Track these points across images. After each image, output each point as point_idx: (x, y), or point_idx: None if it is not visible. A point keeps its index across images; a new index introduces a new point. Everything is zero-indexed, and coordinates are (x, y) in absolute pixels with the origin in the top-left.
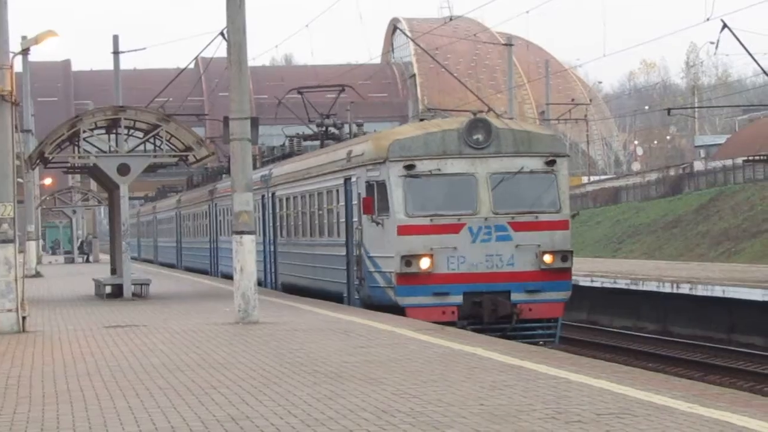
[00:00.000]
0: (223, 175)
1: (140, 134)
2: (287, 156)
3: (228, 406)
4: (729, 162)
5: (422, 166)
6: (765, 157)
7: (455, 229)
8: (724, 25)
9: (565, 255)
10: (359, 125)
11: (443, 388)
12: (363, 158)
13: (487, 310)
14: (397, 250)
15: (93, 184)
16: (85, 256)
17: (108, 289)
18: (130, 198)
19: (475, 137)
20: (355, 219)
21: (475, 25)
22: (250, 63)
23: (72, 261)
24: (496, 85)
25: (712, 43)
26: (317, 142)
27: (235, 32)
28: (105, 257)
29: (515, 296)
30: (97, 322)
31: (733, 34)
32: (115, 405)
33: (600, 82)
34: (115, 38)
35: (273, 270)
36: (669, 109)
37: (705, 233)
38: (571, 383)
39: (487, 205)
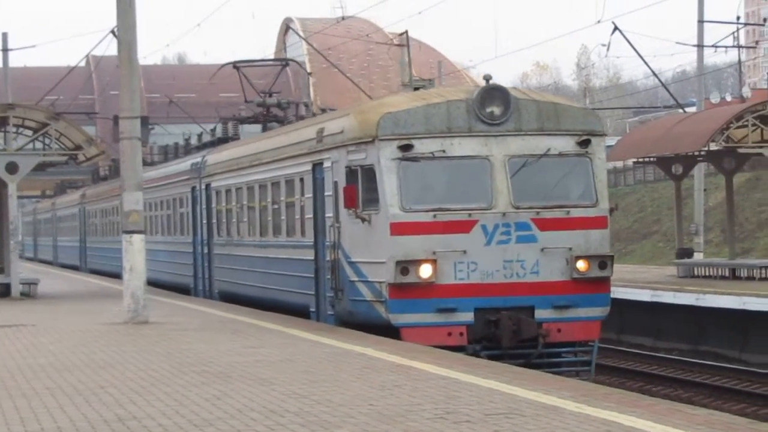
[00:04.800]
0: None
1: (29, 132)
2: (223, 141)
3: (116, 406)
4: (620, 164)
5: (422, 147)
6: (655, 159)
7: (465, 227)
8: (615, 28)
9: (603, 261)
10: (307, 105)
11: (333, 388)
12: (342, 137)
13: (507, 331)
14: (390, 255)
15: None
16: None
17: None
18: (26, 197)
19: (489, 110)
20: (329, 214)
21: (368, 25)
22: (142, 61)
23: None
24: (389, 85)
25: (603, 45)
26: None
27: (125, 30)
28: None
29: (540, 313)
30: None
31: (624, 37)
32: (1, 405)
33: None
34: (4, 35)
35: (206, 275)
36: None
37: None
38: (461, 383)
39: (506, 196)
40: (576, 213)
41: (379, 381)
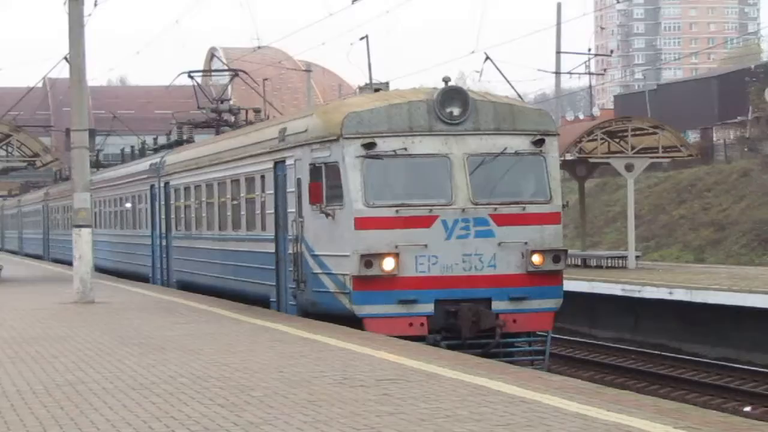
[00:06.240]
0: (100, 168)
1: None
2: (179, 144)
3: (67, 372)
4: None
5: (385, 145)
6: None
7: (426, 222)
8: (487, 57)
9: (557, 255)
10: (257, 111)
11: (249, 357)
12: (306, 136)
13: (466, 322)
14: (355, 248)
15: None
16: None
17: None
18: None
19: (449, 110)
20: (292, 209)
21: (281, 53)
22: (90, 83)
23: None
24: (298, 104)
25: (477, 71)
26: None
27: (75, 57)
28: None
29: (497, 305)
30: None
31: (494, 65)
32: None
33: None
34: None
35: (164, 266)
36: None
37: None
38: (357, 354)
39: (465, 193)
40: (531, 209)
41: (288, 351)
